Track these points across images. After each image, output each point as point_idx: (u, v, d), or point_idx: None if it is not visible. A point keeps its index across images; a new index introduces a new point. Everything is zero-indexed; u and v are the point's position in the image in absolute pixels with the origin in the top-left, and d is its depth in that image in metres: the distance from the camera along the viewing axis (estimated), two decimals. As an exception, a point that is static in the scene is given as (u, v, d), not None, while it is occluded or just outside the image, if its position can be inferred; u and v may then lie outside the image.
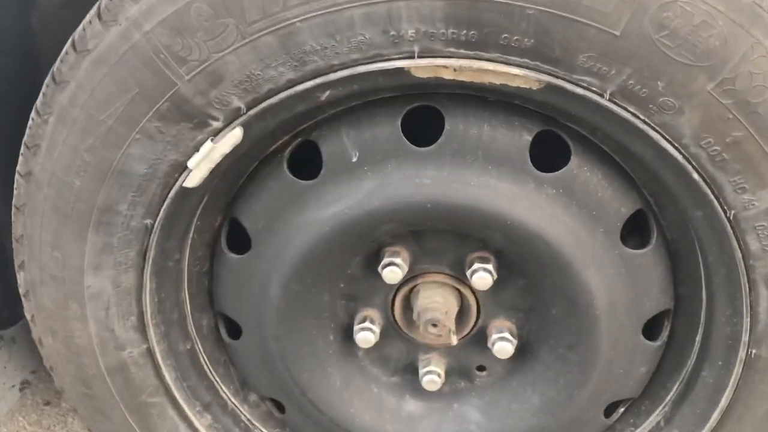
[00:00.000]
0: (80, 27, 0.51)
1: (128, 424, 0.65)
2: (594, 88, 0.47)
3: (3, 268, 0.72)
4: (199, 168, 0.53)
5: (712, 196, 0.50)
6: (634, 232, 0.59)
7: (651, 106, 0.47)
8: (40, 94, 0.54)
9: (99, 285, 0.59)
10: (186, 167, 0.54)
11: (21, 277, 0.61)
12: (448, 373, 0.65)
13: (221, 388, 0.69)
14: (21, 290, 0.62)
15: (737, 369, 0.56)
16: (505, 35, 0.46)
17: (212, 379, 0.68)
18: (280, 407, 0.70)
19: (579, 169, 0.54)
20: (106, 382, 0.63)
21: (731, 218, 0.51)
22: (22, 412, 0.90)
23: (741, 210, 0.50)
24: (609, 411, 0.65)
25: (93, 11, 0.51)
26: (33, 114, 0.55)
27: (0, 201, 0.70)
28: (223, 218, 0.61)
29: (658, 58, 0.45)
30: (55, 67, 0.53)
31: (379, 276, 0.59)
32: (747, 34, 0.44)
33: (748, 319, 0.54)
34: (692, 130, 0.48)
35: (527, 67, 0.48)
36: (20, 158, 0.57)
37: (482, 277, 0.59)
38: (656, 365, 0.62)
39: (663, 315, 0.61)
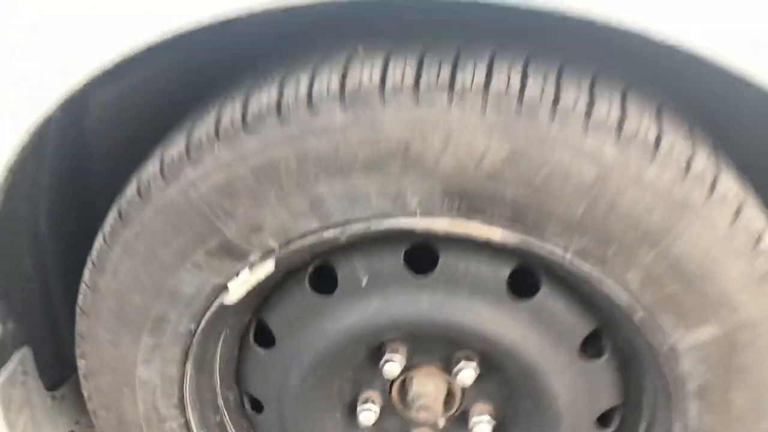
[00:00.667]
0: (145, 178, 0.62)
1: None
2: (558, 248, 0.59)
3: (53, 335, 0.84)
4: (237, 290, 0.65)
5: (652, 330, 0.62)
6: (594, 342, 0.71)
7: (604, 264, 0.60)
8: (107, 224, 0.66)
9: (148, 375, 0.70)
10: (226, 287, 0.66)
11: (82, 364, 0.73)
12: (436, 446, 0.78)
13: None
14: (81, 372, 0.73)
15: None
16: (489, 209, 0.58)
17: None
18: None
19: (547, 297, 0.66)
20: (150, 448, 0.75)
21: (667, 346, 0.63)
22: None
23: (675, 341, 0.62)
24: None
25: (156, 166, 0.62)
26: (100, 238, 0.67)
27: (52, 276, 0.82)
28: (252, 318, 0.73)
29: (609, 232, 0.57)
30: (121, 205, 0.64)
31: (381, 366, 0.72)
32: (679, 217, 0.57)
33: (680, 423, 0.67)
34: (637, 284, 0.60)
35: (506, 229, 0.59)
36: (87, 270, 0.69)
37: (467, 373, 0.71)
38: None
39: (615, 407, 0.74)
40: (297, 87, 0.56)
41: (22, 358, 0.78)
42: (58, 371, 0.85)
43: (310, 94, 0.56)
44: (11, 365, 0.76)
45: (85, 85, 0.57)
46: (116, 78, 0.59)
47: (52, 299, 0.81)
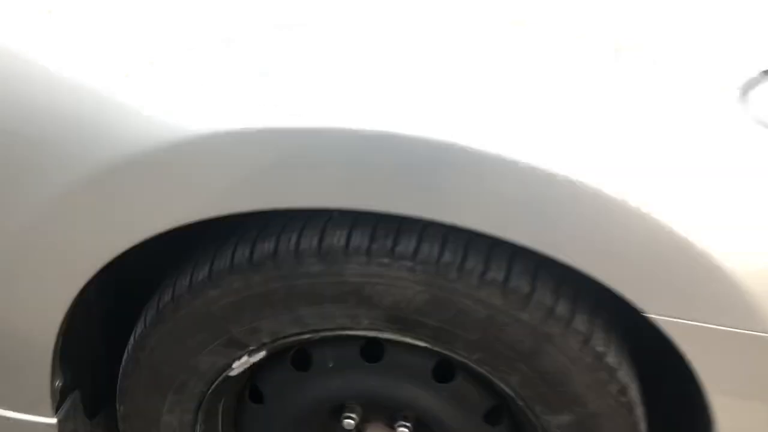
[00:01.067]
0: (179, 289, 0.87)
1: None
2: (463, 357, 0.85)
3: (95, 381, 1.08)
4: (239, 368, 0.91)
5: (529, 413, 0.88)
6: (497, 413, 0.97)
7: (495, 370, 0.85)
8: (149, 316, 0.91)
9: (170, 420, 0.96)
10: (231, 366, 0.91)
11: (120, 409, 0.98)
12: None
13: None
14: (119, 415, 0.99)
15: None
16: (417, 330, 0.84)
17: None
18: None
19: (460, 383, 0.92)
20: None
21: (540, 425, 0.89)
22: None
23: (546, 422, 0.88)
24: None
25: (186, 283, 0.87)
26: (141, 324, 0.92)
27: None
28: (248, 382, 0.99)
29: (496, 351, 0.83)
30: (159, 305, 0.89)
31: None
32: (544, 344, 0.82)
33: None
34: (516, 384, 0.86)
35: (428, 343, 0.85)
36: (130, 344, 0.94)
37: (403, 431, 0.98)
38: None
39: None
40: (288, 242, 0.82)
41: (74, 398, 1.04)
42: (96, 405, 1.11)
43: (297, 248, 0.81)
44: (67, 405, 1.01)
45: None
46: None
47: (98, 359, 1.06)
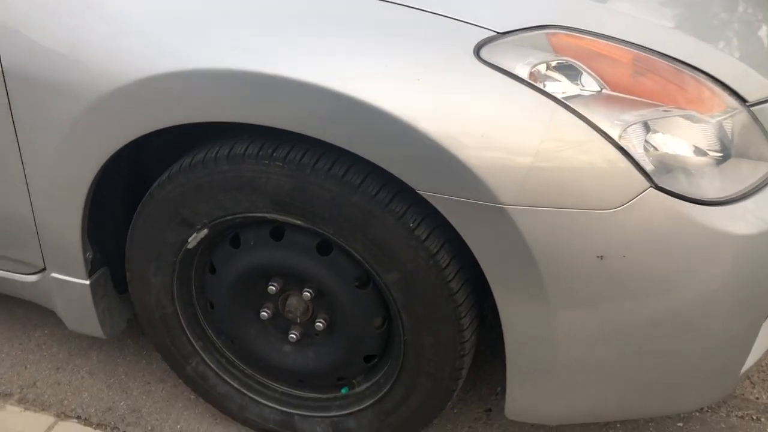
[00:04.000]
0: (157, 183, 1.36)
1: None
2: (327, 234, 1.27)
3: (121, 262, 1.59)
4: (192, 243, 1.37)
5: (375, 274, 1.28)
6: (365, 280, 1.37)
7: (345, 240, 1.26)
8: (139, 209, 1.40)
9: (155, 281, 1.44)
10: (188, 241, 1.38)
11: (128, 275, 1.47)
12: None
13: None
14: (128, 279, 1.49)
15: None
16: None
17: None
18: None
19: (336, 256, 1.33)
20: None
21: (383, 283, 1.28)
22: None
23: (385, 280, 1.28)
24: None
25: (164, 177, 1.35)
26: (135, 216, 1.41)
27: (122, 230, 1.57)
28: (207, 259, 1.45)
29: (343, 226, 1.24)
30: (145, 199, 1.38)
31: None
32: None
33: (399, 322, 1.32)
34: (361, 248, 1.26)
35: (301, 220, 1.28)
36: (130, 229, 1.43)
37: (306, 295, 1.39)
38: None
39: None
40: (210, 152, 1.27)
41: (103, 272, 1.55)
42: (125, 283, 1.61)
43: (215, 156, 1.27)
44: (97, 275, 1.52)
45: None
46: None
47: (121, 243, 1.56)
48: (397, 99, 1.10)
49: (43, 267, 1.52)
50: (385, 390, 1.42)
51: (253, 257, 1.39)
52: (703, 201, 1.14)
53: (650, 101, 1.17)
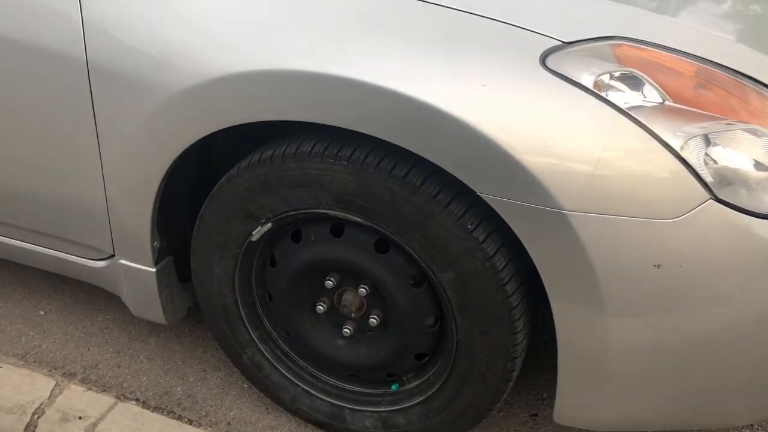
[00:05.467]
0: (225, 178, 1.42)
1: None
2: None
3: (186, 253, 1.66)
4: (256, 236, 1.43)
5: (431, 273, 1.31)
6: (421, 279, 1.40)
7: (403, 239, 1.30)
8: (208, 199, 1.46)
9: (217, 271, 1.49)
10: (252, 234, 1.43)
11: (192, 265, 1.53)
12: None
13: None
14: (192, 267, 1.55)
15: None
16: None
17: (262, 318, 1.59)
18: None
19: (393, 254, 1.37)
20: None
21: (437, 281, 1.32)
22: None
23: (440, 279, 1.31)
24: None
25: (234, 171, 1.41)
26: (203, 208, 1.48)
27: (187, 222, 1.64)
28: (269, 252, 1.51)
29: (403, 224, 1.28)
30: (213, 192, 1.45)
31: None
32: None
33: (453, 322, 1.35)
34: (418, 247, 1.30)
35: (362, 218, 1.32)
36: (197, 221, 1.50)
37: (362, 291, 1.43)
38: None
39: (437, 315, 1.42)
40: (278, 150, 1.33)
41: (168, 261, 1.61)
42: (187, 272, 1.67)
43: (283, 154, 1.32)
44: (162, 263, 1.59)
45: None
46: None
47: (186, 233, 1.62)
48: (462, 103, 1.13)
49: (112, 253, 1.60)
50: (434, 388, 1.45)
51: (312, 252, 1.43)
52: (763, 215, 1.15)
53: (712, 114, 1.18)
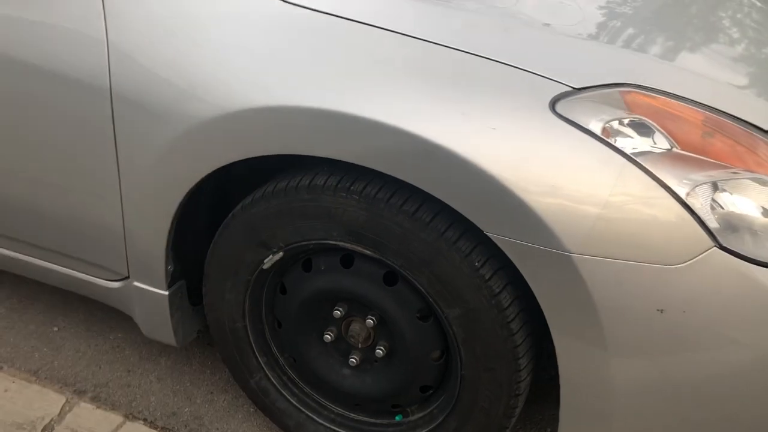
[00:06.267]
0: (238, 208, 1.45)
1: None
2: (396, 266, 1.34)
3: (198, 275, 1.69)
4: (268, 264, 1.46)
5: (438, 309, 1.33)
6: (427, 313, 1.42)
7: (412, 274, 1.32)
8: (222, 227, 1.50)
9: (229, 297, 1.52)
10: (264, 262, 1.46)
11: (204, 290, 1.57)
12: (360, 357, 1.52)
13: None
14: (204, 291, 1.58)
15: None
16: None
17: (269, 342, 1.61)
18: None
19: (400, 288, 1.39)
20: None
21: (443, 318, 1.34)
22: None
23: (447, 315, 1.33)
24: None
25: (260, 195, 1.45)
26: (217, 235, 1.51)
27: (199, 248, 1.67)
28: (279, 280, 1.53)
29: (411, 260, 1.31)
30: (228, 219, 1.48)
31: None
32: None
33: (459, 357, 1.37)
34: (426, 283, 1.32)
35: (372, 250, 1.34)
36: (210, 249, 1.53)
37: (369, 322, 1.46)
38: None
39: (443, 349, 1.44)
40: (292, 181, 1.36)
41: (181, 285, 1.65)
42: (198, 296, 1.70)
43: (297, 185, 1.35)
44: (175, 287, 1.62)
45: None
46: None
47: (198, 258, 1.66)
48: (471, 144, 1.16)
49: (126, 275, 1.63)
50: (438, 421, 1.46)
51: (322, 281, 1.46)
52: (767, 263, 1.16)
53: (719, 162, 1.20)
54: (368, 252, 1.35)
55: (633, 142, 1.18)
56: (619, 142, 1.17)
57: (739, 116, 1.25)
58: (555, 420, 1.36)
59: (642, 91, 1.24)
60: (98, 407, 1.75)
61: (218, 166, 1.37)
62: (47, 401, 1.75)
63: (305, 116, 1.26)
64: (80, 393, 1.80)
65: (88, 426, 1.70)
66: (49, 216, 1.63)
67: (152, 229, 1.49)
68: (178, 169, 1.40)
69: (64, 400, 1.76)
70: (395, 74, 1.26)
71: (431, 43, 1.27)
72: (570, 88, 1.20)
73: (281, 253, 1.44)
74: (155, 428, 1.71)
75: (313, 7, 1.33)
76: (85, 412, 1.74)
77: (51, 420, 1.70)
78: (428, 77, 1.24)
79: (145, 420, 1.74)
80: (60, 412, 1.72)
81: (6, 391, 1.77)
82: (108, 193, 1.51)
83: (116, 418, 1.72)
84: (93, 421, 1.71)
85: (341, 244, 1.37)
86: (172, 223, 1.47)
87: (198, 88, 1.34)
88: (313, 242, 1.40)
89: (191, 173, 1.40)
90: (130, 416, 1.74)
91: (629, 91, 1.23)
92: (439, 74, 1.24)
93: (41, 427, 1.68)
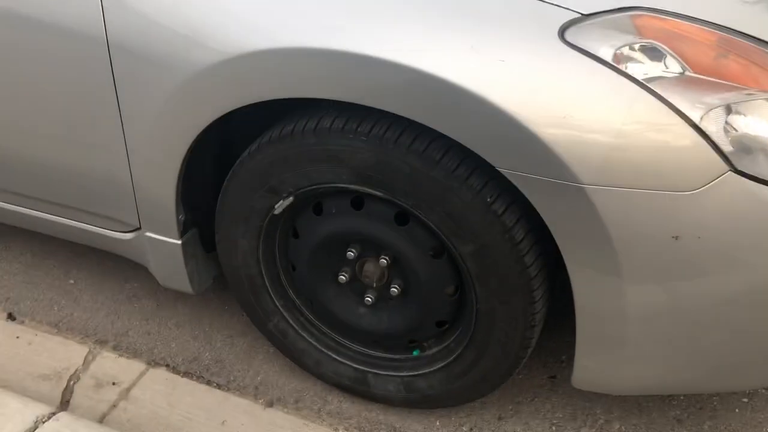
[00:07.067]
0: (243, 156, 1.44)
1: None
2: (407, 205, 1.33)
3: (210, 224, 1.69)
4: (279, 209, 1.45)
5: (451, 246, 1.34)
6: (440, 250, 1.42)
7: (423, 212, 1.32)
8: (229, 176, 1.48)
9: (243, 243, 1.53)
10: (275, 207, 1.46)
11: (217, 237, 1.57)
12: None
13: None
14: (216, 239, 1.58)
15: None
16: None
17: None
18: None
19: (413, 226, 1.39)
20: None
21: (458, 254, 1.34)
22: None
23: (460, 252, 1.33)
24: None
25: (254, 148, 1.43)
26: (226, 181, 1.50)
27: (210, 196, 1.67)
28: (291, 224, 1.53)
29: (422, 198, 1.30)
30: (235, 168, 1.47)
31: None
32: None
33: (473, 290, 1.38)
34: (438, 220, 1.32)
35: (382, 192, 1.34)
36: (221, 195, 1.52)
37: (383, 261, 1.46)
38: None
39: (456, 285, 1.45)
40: (298, 125, 1.34)
41: (193, 233, 1.65)
42: (212, 243, 1.71)
43: (303, 129, 1.33)
44: (187, 235, 1.62)
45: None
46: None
47: (209, 206, 1.65)
48: (481, 79, 1.14)
49: (138, 226, 1.63)
50: (455, 354, 1.49)
51: (334, 224, 1.46)
52: (782, 185, 1.15)
53: (733, 84, 1.17)
54: (378, 193, 1.34)
55: (644, 68, 1.15)
56: (630, 69, 1.14)
57: (753, 35, 1.22)
58: (569, 346, 1.38)
59: (652, 14, 1.20)
60: (121, 355, 1.79)
61: (221, 114, 1.35)
62: (70, 352, 1.79)
63: (309, 57, 1.23)
64: (102, 343, 1.83)
65: (113, 374, 1.73)
66: (56, 168, 1.62)
67: (160, 178, 1.48)
68: (182, 117, 1.38)
69: (86, 351, 1.79)
70: (399, 11, 1.22)
71: (434, -25, 1.22)
72: (579, 15, 1.17)
73: (291, 198, 1.43)
74: (178, 373, 1.75)
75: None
76: (108, 361, 1.77)
77: (76, 370, 1.73)
78: (433, 12, 1.20)
79: (167, 366, 1.77)
80: (84, 362, 1.76)
81: (30, 344, 1.81)
82: (113, 144, 1.50)
83: (139, 366, 1.76)
84: (117, 369, 1.75)
85: (351, 186, 1.36)
86: (180, 173, 1.46)
87: (197, 34, 1.30)
88: (323, 186, 1.39)
89: (195, 122, 1.38)
90: (153, 363, 1.78)
91: (639, 15, 1.19)
92: (444, 8, 1.20)
93: (67, 377, 1.72)
